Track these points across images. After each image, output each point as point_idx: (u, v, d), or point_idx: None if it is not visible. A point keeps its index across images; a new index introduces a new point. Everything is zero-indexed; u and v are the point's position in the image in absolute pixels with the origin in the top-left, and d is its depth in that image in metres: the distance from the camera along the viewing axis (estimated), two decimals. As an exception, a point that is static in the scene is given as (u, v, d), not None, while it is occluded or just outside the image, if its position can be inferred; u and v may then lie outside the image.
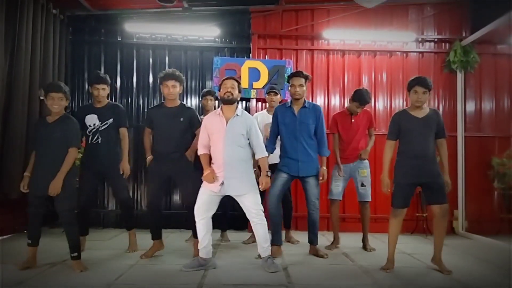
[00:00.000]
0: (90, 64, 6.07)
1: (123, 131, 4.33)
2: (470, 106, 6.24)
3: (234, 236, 5.26)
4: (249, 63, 5.91)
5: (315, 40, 6.22)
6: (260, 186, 3.69)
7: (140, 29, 6.03)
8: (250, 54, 6.09)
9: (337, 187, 4.66)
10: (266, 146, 3.93)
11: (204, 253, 3.67)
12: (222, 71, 5.86)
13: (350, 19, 6.11)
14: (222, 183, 3.61)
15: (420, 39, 6.25)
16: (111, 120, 4.24)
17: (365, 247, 4.65)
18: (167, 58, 6.13)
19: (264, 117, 5.02)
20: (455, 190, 6.04)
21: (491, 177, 5.94)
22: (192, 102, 6.12)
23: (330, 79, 6.17)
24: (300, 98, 4.20)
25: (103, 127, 4.22)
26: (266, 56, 6.16)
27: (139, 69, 6.10)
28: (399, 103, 6.20)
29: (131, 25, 5.93)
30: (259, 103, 6.05)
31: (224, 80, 3.78)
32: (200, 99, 5.26)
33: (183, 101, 6.06)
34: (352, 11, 6.09)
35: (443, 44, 6.30)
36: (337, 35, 6.13)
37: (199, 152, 3.77)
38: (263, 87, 5.88)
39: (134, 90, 6.08)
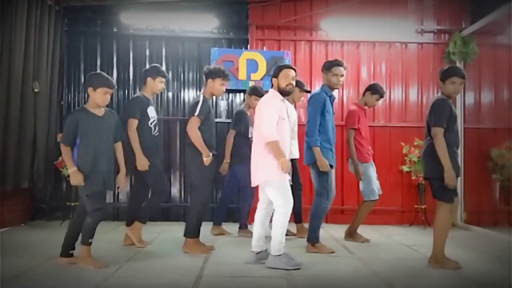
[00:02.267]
0: (86, 55, 6.00)
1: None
2: (470, 98, 6.21)
3: (232, 228, 5.24)
4: (247, 55, 5.86)
5: (313, 31, 6.16)
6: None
7: (136, 20, 5.95)
8: (248, 45, 6.03)
9: (376, 187, 4.59)
10: (310, 139, 3.91)
11: (283, 248, 3.45)
12: (220, 62, 5.79)
13: (349, 10, 6.02)
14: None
15: (419, 30, 6.20)
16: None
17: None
18: (164, 50, 6.06)
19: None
20: (454, 182, 6.04)
21: (490, 168, 5.92)
22: (190, 94, 6.07)
23: (328, 70, 6.11)
24: (337, 89, 4.13)
25: (156, 121, 4.25)
26: (264, 47, 6.10)
27: (136, 61, 6.03)
28: (398, 95, 6.17)
29: (127, 16, 5.86)
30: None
31: (284, 68, 3.56)
32: (247, 95, 5.01)
33: (180, 93, 6.06)
34: (351, 1, 6.02)
35: (442, 35, 6.25)
36: (336, 26, 6.07)
37: (274, 138, 3.39)
38: (262, 79, 5.83)
39: (131, 82, 6.03)
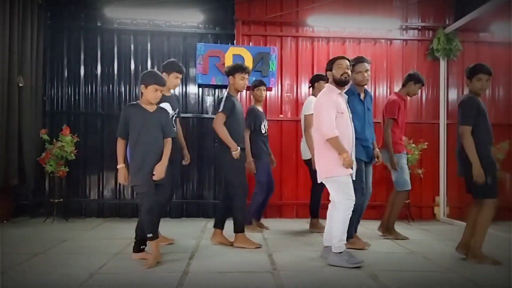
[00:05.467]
0: (70, 50, 5.91)
1: (179, 122, 4.35)
2: (453, 94, 6.31)
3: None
4: (233, 50, 5.83)
5: (299, 27, 6.17)
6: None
7: (121, 14, 5.88)
8: (234, 41, 6.01)
9: (409, 177, 4.60)
10: None
11: (343, 245, 3.43)
12: (206, 58, 5.77)
13: (335, 6, 6.05)
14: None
15: (404, 27, 6.27)
16: (177, 110, 4.23)
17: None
18: (149, 44, 6.00)
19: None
20: (437, 177, 6.14)
21: (472, 163, 6.02)
22: (176, 89, 6.00)
23: (315, 66, 6.13)
24: (366, 85, 4.07)
25: (174, 116, 4.18)
26: (251, 43, 6.09)
27: (120, 56, 5.97)
28: (383, 91, 6.23)
29: (112, 10, 5.78)
30: (244, 90, 5.96)
31: (337, 59, 3.53)
32: (252, 89, 5.11)
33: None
34: (336, -3, 6.05)
35: (426, 31, 6.33)
36: (322, 22, 6.10)
37: (335, 134, 3.36)
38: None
39: (115, 77, 5.95)
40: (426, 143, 5.85)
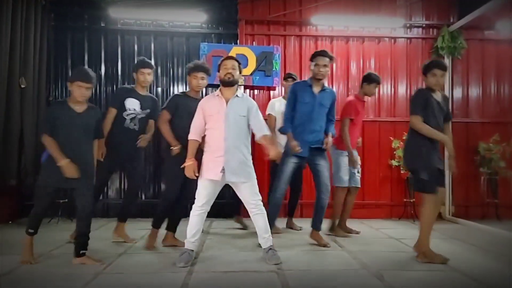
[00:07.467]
0: (73, 50, 5.92)
1: (152, 123, 4.30)
2: (457, 92, 6.28)
3: (222, 224, 5.25)
4: (236, 50, 5.83)
5: (303, 26, 6.16)
6: (270, 157, 3.48)
7: (124, 15, 5.88)
8: (238, 40, 6.00)
9: (347, 176, 4.56)
10: (283, 127, 4.09)
11: (195, 246, 3.49)
12: (209, 57, 5.77)
13: (338, 5, 6.05)
14: (223, 170, 3.39)
15: (408, 25, 6.24)
16: (148, 110, 4.19)
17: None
18: (152, 45, 6.01)
19: (282, 105, 4.83)
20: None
21: (478, 162, 6.00)
22: (179, 89, 6.02)
23: (318, 65, 6.11)
24: (322, 79, 4.07)
25: (141, 115, 4.15)
26: (254, 42, 6.08)
27: (124, 56, 5.97)
28: (387, 90, 6.20)
29: (116, 11, 5.78)
30: (248, 90, 5.99)
31: (223, 60, 3.56)
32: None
33: (169, 88, 6.02)
34: (340, -4, 6.04)
35: (431, 29, 6.29)
36: (326, 21, 6.08)
37: (190, 137, 3.50)
38: (251, 74, 5.81)
39: (119, 77, 5.96)
40: (431, 141, 5.82)
